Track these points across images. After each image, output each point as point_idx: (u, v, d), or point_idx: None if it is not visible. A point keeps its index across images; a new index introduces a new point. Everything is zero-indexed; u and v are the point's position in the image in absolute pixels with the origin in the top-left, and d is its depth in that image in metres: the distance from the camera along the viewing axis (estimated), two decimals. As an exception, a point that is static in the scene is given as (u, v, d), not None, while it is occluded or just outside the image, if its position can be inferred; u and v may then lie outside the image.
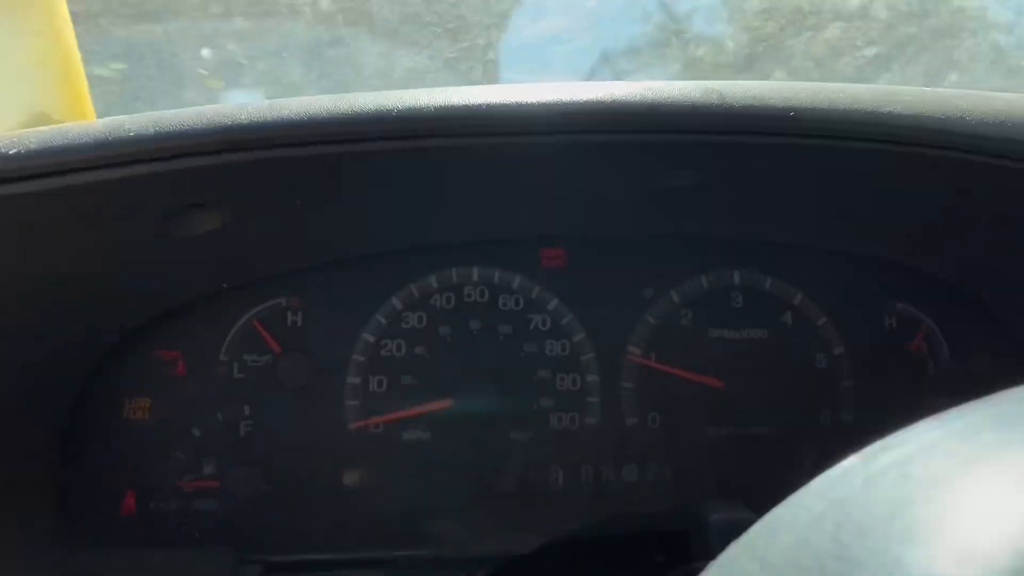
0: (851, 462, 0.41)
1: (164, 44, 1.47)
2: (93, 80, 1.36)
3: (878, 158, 0.88)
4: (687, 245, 1.21)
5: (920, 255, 1.21)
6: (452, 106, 0.77)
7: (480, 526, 1.11)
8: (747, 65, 1.81)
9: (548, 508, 1.14)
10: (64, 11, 1.08)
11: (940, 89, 0.95)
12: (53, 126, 0.75)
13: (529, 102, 0.80)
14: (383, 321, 1.15)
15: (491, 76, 1.80)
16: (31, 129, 0.73)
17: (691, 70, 1.85)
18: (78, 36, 1.18)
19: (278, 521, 1.08)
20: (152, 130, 0.70)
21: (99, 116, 1.39)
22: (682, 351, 1.19)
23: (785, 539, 0.38)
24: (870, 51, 1.84)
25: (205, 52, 1.59)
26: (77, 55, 1.11)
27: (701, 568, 0.67)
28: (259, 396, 1.12)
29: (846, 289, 1.23)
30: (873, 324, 1.23)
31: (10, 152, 0.67)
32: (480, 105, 0.78)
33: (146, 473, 1.08)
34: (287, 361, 1.12)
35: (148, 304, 1.06)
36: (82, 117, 1.14)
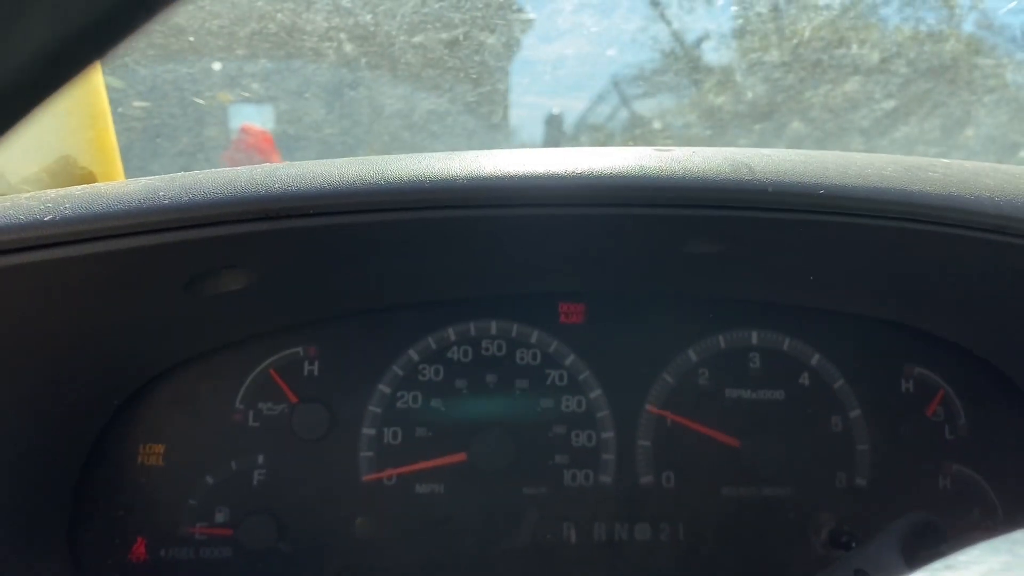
0: None
1: (188, 84, 1.48)
2: (116, 117, 1.37)
3: (903, 233, 0.88)
4: (706, 304, 1.21)
5: (938, 322, 1.21)
6: (482, 177, 0.78)
7: (493, 585, 1.10)
8: (766, 115, 1.81)
9: (560, 565, 1.13)
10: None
11: (966, 163, 0.96)
12: (86, 187, 0.75)
13: (558, 173, 0.80)
14: (400, 373, 1.15)
15: (502, 105, 1.81)
16: (64, 191, 0.74)
17: (709, 118, 1.86)
18: (104, 76, 1.19)
19: (290, 573, 1.08)
20: (187, 198, 0.70)
21: (122, 151, 1.40)
22: (699, 410, 1.19)
23: None
24: (888, 104, 1.84)
25: (215, 65, 1.59)
26: (105, 100, 1.12)
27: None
28: (274, 445, 1.11)
29: (863, 352, 1.23)
30: (890, 388, 1.23)
31: (45, 219, 0.67)
32: (514, 176, 0.79)
33: (158, 520, 1.08)
34: (303, 411, 1.12)
35: (168, 354, 1.06)
36: (108, 162, 1.15)
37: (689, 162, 0.85)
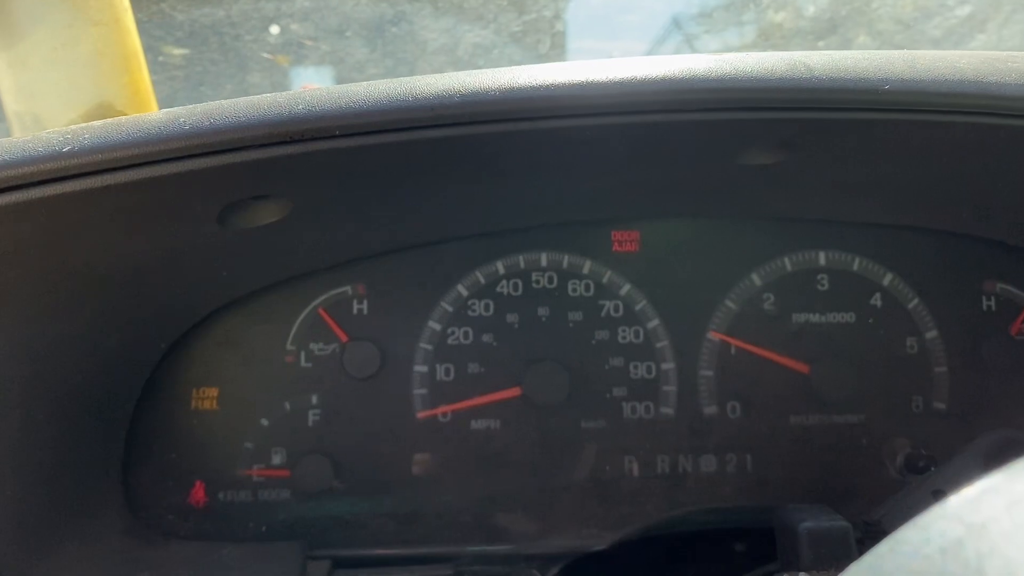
0: (992, 482, 0.36)
1: (227, 27, 1.45)
2: (157, 66, 1.35)
3: (980, 131, 0.81)
4: (768, 225, 1.15)
5: (1021, 232, 1.13)
6: (520, 88, 0.73)
7: (552, 520, 1.08)
8: (828, 30, 1.71)
9: (621, 498, 1.10)
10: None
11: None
12: (108, 120, 0.73)
13: (602, 81, 0.75)
14: (449, 309, 1.12)
15: (559, 48, 1.74)
16: (86, 124, 0.72)
17: (769, 37, 1.76)
18: (140, 23, 1.17)
19: (346, 514, 1.07)
20: (207, 123, 0.67)
21: (164, 103, 1.39)
22: (764, 337, 1.14)
23: (915, 565, 0.33)
24: (963, 11, 1.72)
25: (272, 29, 1.57)
26: (138, 43, 1.10)
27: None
28: (326, 385, 1.10)
29: (940, 269, 1.15)
30: (969, 306, 1.16)
31: (63, 149, 0.65)
32: (550, 86, 0.73)
33: (214, 464, 1.08)
34: (354, 350, 1.10)
35: (214, 294, 1.05)
36: (145, 106, 1.13)
37: (742, 63, 0.78)
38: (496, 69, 0.79)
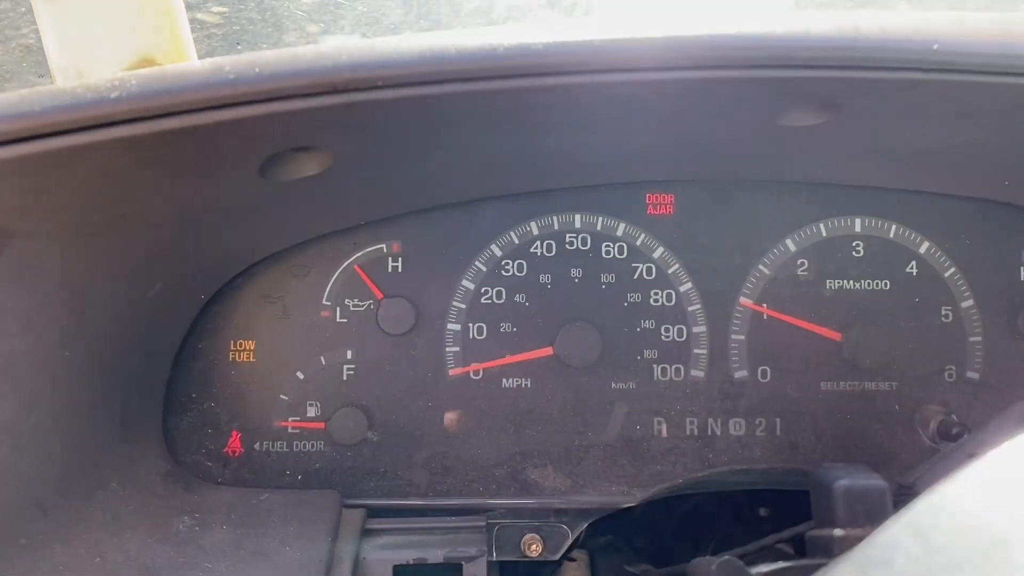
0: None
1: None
2: (195, 24, 1.36)
3: (1026, 94, 0.80)
4: (805, 190, 1.14)
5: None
6: (564, 43, 0.73)
7: (582, 477, 1.09)
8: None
9: (650, 458, 1.11)
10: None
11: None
12: (154, 68, 0.74)
13: (642, 37, 0.75)
14: (483, 268, 1.13)
15: (591, 15, 1.73)
16: (132, 72, 0.73)
17: (805, 6, 1.73)
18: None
19: (380, 465, 1.09)
20: (252, 73, 0.68)
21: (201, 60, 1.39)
22: (797, 303, 1.13)
23: (952, 521, 0.34)
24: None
25: None
26: (180, -2, 1.10)
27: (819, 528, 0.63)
28: (361, 341, 1.12)
29: (977, 238, 1.14)
30: (1007, 275, 1.14)
31: (112, 96, 0.66)
32: (595, 41, 0.73)
33: (251, 415, 1.10)
34: (388, 306, 1.11)
35: (253, 248, 1.06)
36: (184, 60, 1.14)
37: (791, 22, 0.77)
38: (538, 24, 0.79)
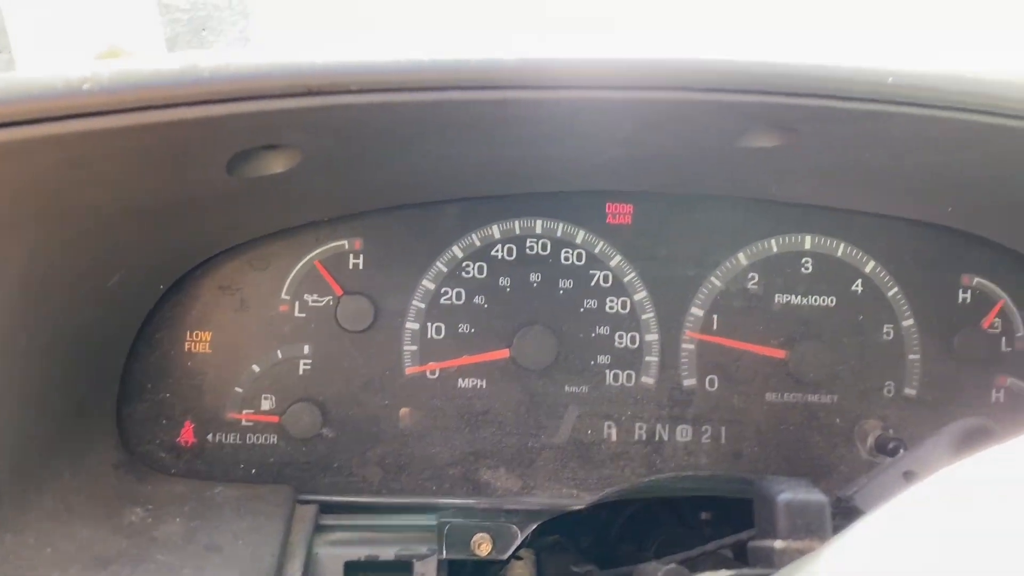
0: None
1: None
2: (161, 8, 1.35)
3: (976, 128, 0.84)
4: (758, 207, 1.18)
5: (1000, 229, 1.16)
6: (530, 60, 0.74)
7: (534, 478, 1.11)
8: None
9: (599, 462, 1.14)
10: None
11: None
12: (127, 60, 0.74)
13: (607, 58, 0.77)
14: (443, 269, 1.14)
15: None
16: (104, 63, 0.72)
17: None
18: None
19: (334, 461, 1.10)
20: (225, 71, 0.68)
21: (167, 43, 1.38)
22: (746, 315, 1.17)
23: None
24: None
25: None
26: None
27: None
28: (319, 336, 1.12)
29: (920, 260, 1.19)
30: (946, 298, 1.19)
31: (83, 87, 0.66)
32: (559, 59, 0.75)
33: (205, 406, 1.10)
34: (348, 303, 1.12)
35: (215, 240, 1.06)
36: (152, 47, 1.13)
37: (752, 46, 0.80)
38: (508, 34, 0.81)
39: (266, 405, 1.11)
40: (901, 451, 1.03)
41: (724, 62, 0.77)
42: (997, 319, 1.19)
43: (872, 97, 0.80)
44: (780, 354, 1.17)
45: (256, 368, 1.11)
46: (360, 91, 0.72)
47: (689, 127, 0.88)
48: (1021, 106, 0.80)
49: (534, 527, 1.07)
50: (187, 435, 1.09)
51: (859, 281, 1.18)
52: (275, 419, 1.10)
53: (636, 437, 1.15)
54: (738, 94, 0.79)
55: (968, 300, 1.19)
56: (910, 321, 1.18)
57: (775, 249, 1.18)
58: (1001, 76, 0.79)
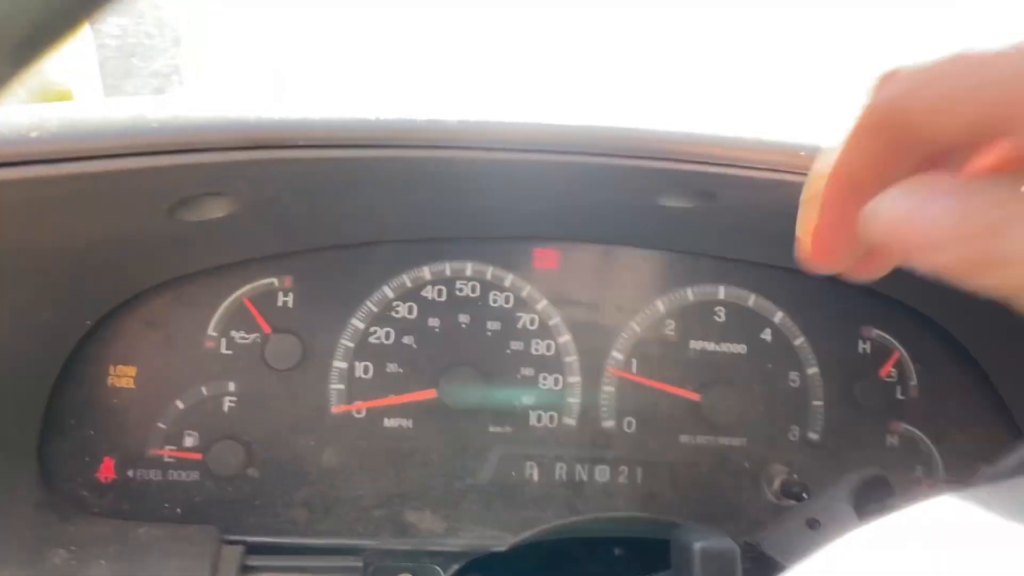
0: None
1: (165, 2, 1.44)
2: (91, 33, 1.34)
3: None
4: (677, 258, 1.24)
5: (897, 286, 1.25)
6: (473, 122, 0.78)
7: (458, 520, 1.13)
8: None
9: (521, 503, 1.17)
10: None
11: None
12: (72, 104, 0.74)
13: (544, 122, 0.82)
14: (373, 308, 1.16)
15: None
16: (49, 106, 0.73)
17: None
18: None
19: (260, 501, 1.10)
20: (177, 123, 0.70)
21: (100, 69, 1.36)
22: (663, 360, 1.22)
23: None
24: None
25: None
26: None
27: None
28: (245, 374, 1.12)
29: (824, 312, 1.27)
30: (847, 347, 1.27)
31: (31, 135, 0.66)
32: (494, 122, 0.80)
33: (127, 441, 1.09)
34: (275, 341, 1.13)
35: (146, 276, 1.05)
36: (83, 76, 1.13)
37: (667, 115, 0.86)
38: (448, 95, 0.85)
39: (189, 442, 1.10)
40: (804, 496, 1.10)
41: (635, 129, 0.82)
42: (894, 369, 1.28)
43: (784, 169, 0.86)
44: (695, 396, 1.22)
45: (180, 404, 1.10)
46: (306, 146, 0.74)
47: (610, 187, 0.93)
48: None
49: (457, 568, 1.09)
50: (107, 470, 1.08)
51: (768, 330, 1.25)
52: (198, 456, 1.10)
53: (557, 477, 1.19)
54: (655, 161, 0.85)
55: (868, 351, 1.28)
56: (815, 369, 1.25)
57: (691, 298, 1.24)
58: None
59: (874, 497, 0.86)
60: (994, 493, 0.38)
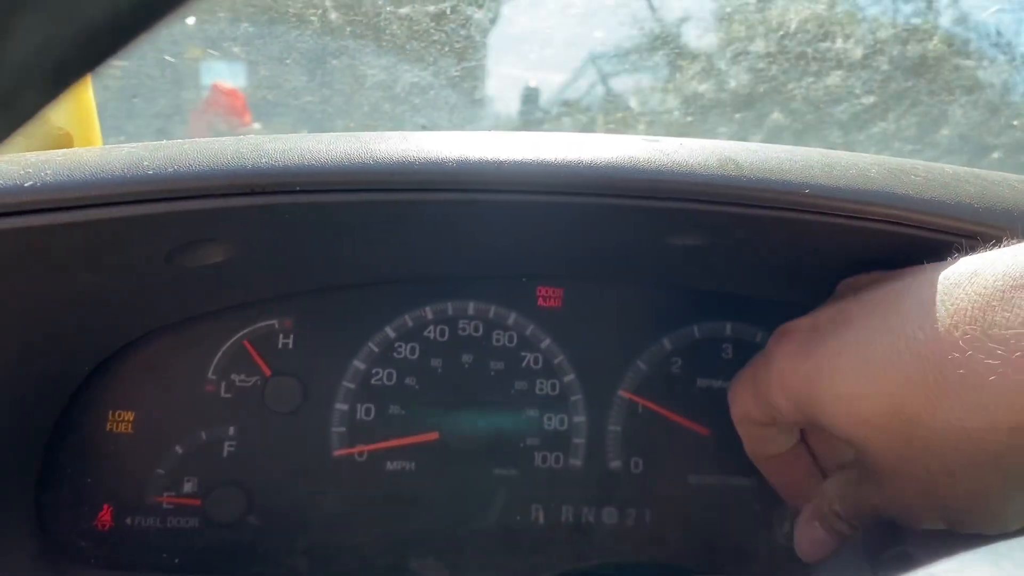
0: None
1: (167, 44, 1.45)
2: (92, 76, 1.34)
3: (882, 234, 0.89)
4: (683, 295, 1.22)
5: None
6: (473, 161, 0.77)
7: (462, 565, 1.11)
8: (747, 104, 1.82)
9: (527, 547, 1.15)
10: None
11: (946, 167, 0.97)
12: (67, 152, 0.74)
13: (549, 160, 0.81)
14: (375, 349, 1.14)
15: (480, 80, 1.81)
16: (44, 155, 0.72)
17: (691, 105, 1.86)
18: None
19: (260, 549, 1.08)
20: (171, 170, 0.69)
21: (97, 110, 1.36)
22: (670, 398, 1.20)
23: None
24: (867, 100, 1.86)
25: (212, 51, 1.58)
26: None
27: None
28: (245, 417, 1.11)
29: (833, 347, 1.24)
30: (857, 383, 1.25)
31: (25, 185, 0.66)
32: (497, 162, 0.79)
33: (125, 488, 1.07)
34: (276, 384, 1.11)
35: (144, 321, 1.04)
36: (84, 121, 1.12)
37: (677, 155, 0.85)
38: (447, 135, 0.84)
39: (188, 487, 1.09)
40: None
41: (641, 170, 0.81)
42: (904, 404, 1.25)
43: (790, 207, 0.85)
44: (704, 431, 1.20)
45: (179, 449, 1.09)
46: (307, 191, 0.73)
47: (617, 227, 0.92)
48: (923, 219, 0.86)
49: (462, 615, 1.07)
50: (104, 517, 1.06)
51: (776, 367, 1.23)
52: (197, 502, 1.08)
53: (563, 520, 1.17)
54: (662, 200, 0.83)
55: (877, 386, 1.25)
56: (824, 406, 1.23)
57: (697, 335, 1.22)
58: (910, 189, 0.85)
59: (888, 543, 0.83)
60: None
